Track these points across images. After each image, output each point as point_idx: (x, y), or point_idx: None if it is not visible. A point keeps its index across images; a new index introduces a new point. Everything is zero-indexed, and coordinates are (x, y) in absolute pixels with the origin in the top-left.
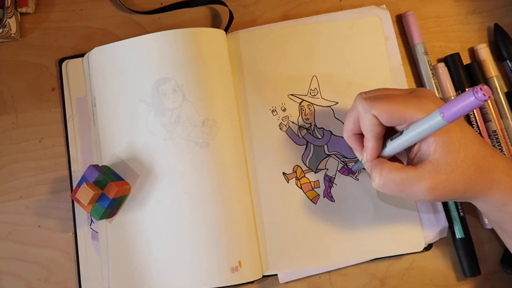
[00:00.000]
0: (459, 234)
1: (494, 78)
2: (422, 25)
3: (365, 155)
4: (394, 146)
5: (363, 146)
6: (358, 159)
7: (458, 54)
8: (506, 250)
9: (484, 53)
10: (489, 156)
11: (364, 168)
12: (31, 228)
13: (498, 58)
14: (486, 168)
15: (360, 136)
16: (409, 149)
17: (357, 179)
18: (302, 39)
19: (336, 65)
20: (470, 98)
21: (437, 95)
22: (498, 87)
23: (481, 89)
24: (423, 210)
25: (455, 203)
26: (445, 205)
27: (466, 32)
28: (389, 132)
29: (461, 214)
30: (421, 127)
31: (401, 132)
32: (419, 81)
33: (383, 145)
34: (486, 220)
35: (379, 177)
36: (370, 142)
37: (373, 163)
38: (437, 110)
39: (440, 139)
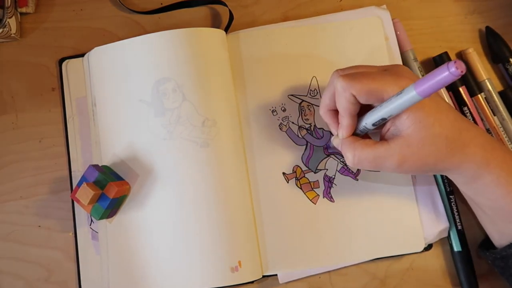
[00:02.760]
0: (456, 247)
1: (486, 81)
2: (422, 25)
3: (341, 132)
4: (368, 122)
5: (338, 122)
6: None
7: (446, 53)
8: (486, 236)
9: (473, 56)
10: (464, 130)
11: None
12: (31, 228)
13: (493, 60)
14: (460, 143)
15: (336, 112)
16: (382, 125)
17: (357, 180)
18: (302, 39)
19: (336, 65)
20: (444, 73)
21: None
22: (491, 90)
23: (455, 62)
24: (424, 210)
25: (453, 216)
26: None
27: (466, 32)
28: (363, 109)
29: (459, 227)
30: (396, 102)
31: (376, 108)
32: None
33: (357, 125)
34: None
35: (352, 156)
36: (345, 120)
37: (345, 142)
38: (411, 85)
39: (414, 115)
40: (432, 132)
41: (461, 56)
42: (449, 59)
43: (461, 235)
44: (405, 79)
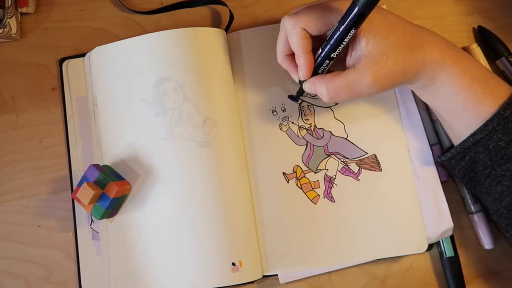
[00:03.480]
0: (448, 253)
1: None
2: (423, 25)
3: (301, 73)
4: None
5: (297, 66)
6: (361, 155)
7: None
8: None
9: (476, 52)
10: (416, 32)
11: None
12: (31, 228)
13: (490, 58)
14: (416, 45)
15: (293, 56)
16: (343, 59)
17: (358, 180)
18: None
19: None
20: None
21: None
22: None
23: None
24: (427, 210)
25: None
26: None
27: (466, 32)
28: (315, 48)
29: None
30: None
31: (328, 39)
32: None
33: (316, 61)
34: (485, 241)
35: (326, 90)
36: (302, 57)
37: (314, 80)
38: (353, 1)
39: (367, 32)
40: (389, 42)
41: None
42: None
43: (453, 240)
44: (349, 2)
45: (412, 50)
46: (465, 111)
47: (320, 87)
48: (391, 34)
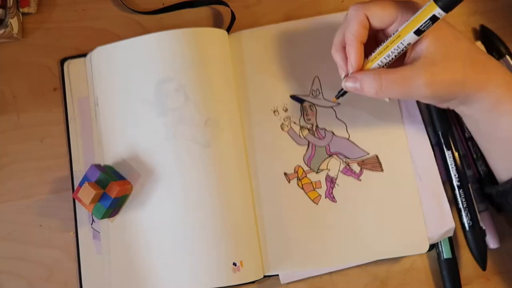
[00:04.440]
0: (446, 254)
1: None
2: None
3: (350, 64)
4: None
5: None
6: (362, 155)
7: None
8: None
9: (481, 49)
10: (482, 53)
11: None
12: (32, 228)
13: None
14: (481, 63)
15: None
16: (401, 58)
17: (360, 180)
18: (304, 39)
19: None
20: None
21: None
22: None
23: None
24: (428, 210)
25: None
26: None
27: (468, 33)
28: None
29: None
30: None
31: (392, 34)
32: None
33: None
34: (490, 240)
35: (378, 81)
36: (353, 46)
37: (367, 72)
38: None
39: (431, 35)
40: (452, 50)
41: None
42: None
43: (451, 242)
44: (418, 4)
45: (476, 66)
46: None
47: (370, 79)
48: (456, 43)
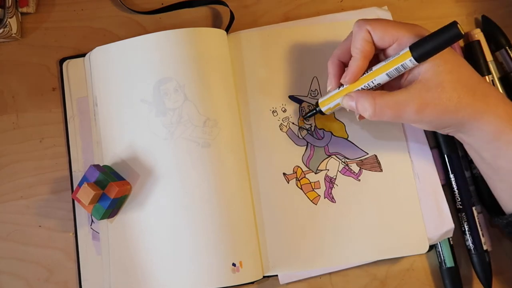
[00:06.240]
0: (448, 263)
1: (489, 63)
2: (423, 25)
3: (348, 77)
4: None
5: (341, 74)
6: (361, 155)
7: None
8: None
9: (480, 37)
10: (483, 82)
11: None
12: (32, 228)
13: (490, 49)
14: (480, 92)
15: (341, 64)
16: (399, 77)
17: (359, 180)
18: (302, 40)
19: None
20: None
21: None
22: (493, 73)
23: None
24: (427, 210)
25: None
26: None
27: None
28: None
29: (451, 242)
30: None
31: (393, 56)
32: None
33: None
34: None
35: (372, 105)
36: (358, 60)
37: (362, 93)
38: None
39: (431, 60)
40: (450, 78)
41: (468, 38)
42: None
43: (453, 250)
44: (421, 29)
45: (475, 95)
46: None
47: (366, 101)
48: (456, 71)
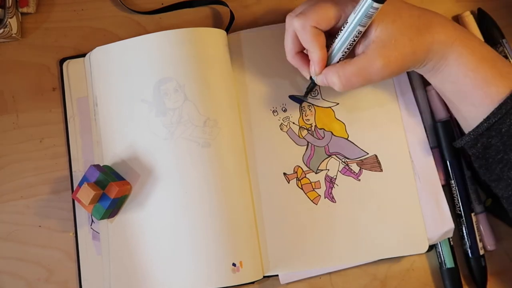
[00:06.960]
0: (448, 264)
1: None
2: None
3: (313, 68)
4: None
5: (308, 63)
6: (362, 155)
7: None
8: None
9: (468, 20)
10: (422, 15)
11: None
12: (32, 228)
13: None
14: (423, 26)
15: (303, 54)
16: (353, 51)
17: (359, 180)
18: None
19: None
20: None
21: None
22: None
23: None
24: (427, 210)
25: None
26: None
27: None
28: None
29: (451, 243)
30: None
31: (340, 31)
32: None
33: (330, 56)
34: (487, 242)
35: (339, 78)
36: (316, 53)
37: (325, 71)
38: None
39: (375, 18)
40: (396, 26)
41: (458, 20)
42: None
43: (453, 251)
44: None
45: (420, 32)
46: (474, 92)
47: (331, 76)
48: (398, 18)
